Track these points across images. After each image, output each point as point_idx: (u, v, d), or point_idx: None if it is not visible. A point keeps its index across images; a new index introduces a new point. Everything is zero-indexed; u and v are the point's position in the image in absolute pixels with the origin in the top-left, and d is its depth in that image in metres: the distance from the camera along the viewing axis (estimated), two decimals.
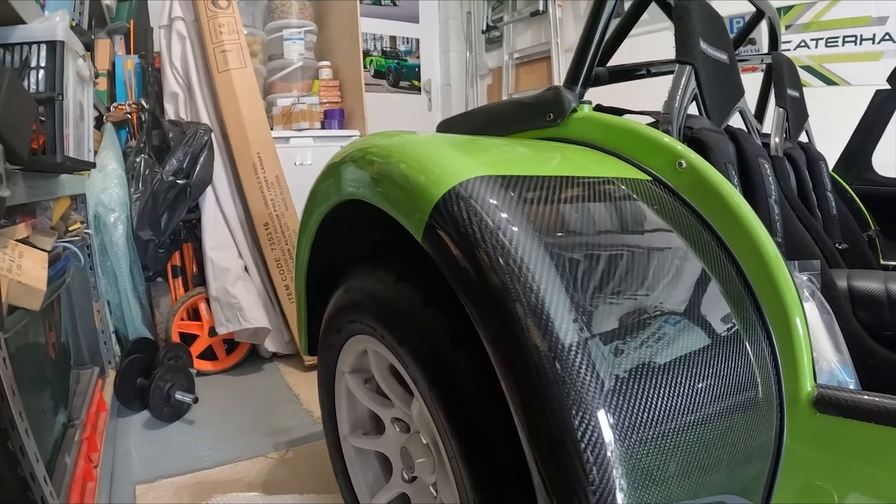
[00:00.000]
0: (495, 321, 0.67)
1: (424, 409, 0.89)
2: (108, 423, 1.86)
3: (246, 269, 2.65)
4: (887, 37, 2.72)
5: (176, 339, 2.53)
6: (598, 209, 0.84)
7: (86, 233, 2.02)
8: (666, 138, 0.96)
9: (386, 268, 0.99)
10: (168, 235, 2.45)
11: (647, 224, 0.86)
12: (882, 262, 1.93)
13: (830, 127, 2.21)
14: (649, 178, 0.94)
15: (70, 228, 1.85)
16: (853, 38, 2.83)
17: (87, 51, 1.61)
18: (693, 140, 1.05)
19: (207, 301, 2.57)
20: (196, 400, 2.13)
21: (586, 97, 1.14)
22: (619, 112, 1.23)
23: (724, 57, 1.32)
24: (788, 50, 3.02)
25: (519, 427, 0.65)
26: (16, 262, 1.20)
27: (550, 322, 0.65)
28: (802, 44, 3.00)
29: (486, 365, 0.71)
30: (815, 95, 2.89)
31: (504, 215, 0.72)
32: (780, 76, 1.71)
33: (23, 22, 1.28)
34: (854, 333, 1.09)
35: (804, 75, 2.95)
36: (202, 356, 2.61)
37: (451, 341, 0.82)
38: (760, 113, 1.85)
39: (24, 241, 1.32)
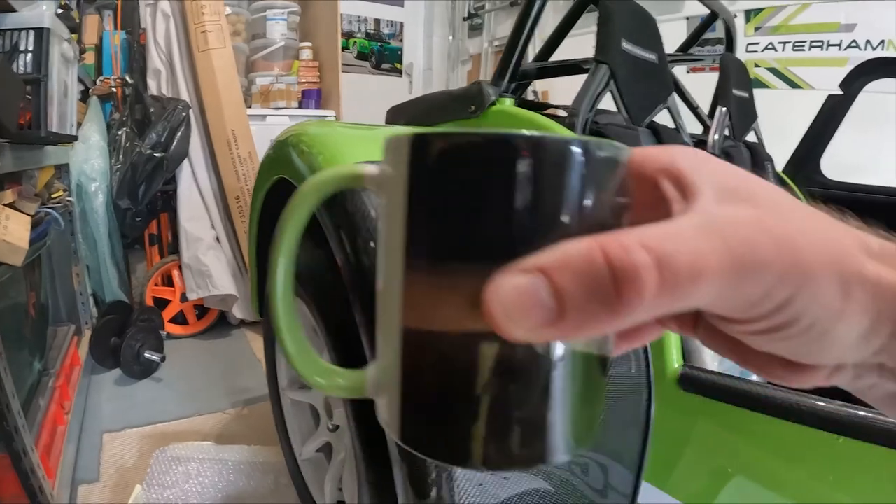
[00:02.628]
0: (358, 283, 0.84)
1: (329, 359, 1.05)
2: (82, 379, 2.03)
3: (217, 239, 2.79)
4: (854, 44, 2.76)
5: (149, 303, 2.68)
6: None
7: (68, 200, 2.16)
8: (563, 131, 1.09)
9: (309, 237, 1.15)
10: (145, 205, 2.59)
11: None
12: None
13: (791, 129, 2.18)
14: None
15: (53, 196, 2.00)
16: (820, 44, 2.87)
17: (73, 33, 1.75)
18: (598, 134, 1.15)
19: (180, 268, 2.72)
20: (163, 359, 2.28)
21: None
22: (543, 106, 1.36)
23: (652, 57, 1.40)
24: (756, 52, 3.06)
25: None
26: (2, 223, 1.36)
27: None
28: (770, 46, 3.03)
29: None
30: (778, 98, 2.90)
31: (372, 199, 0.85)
32: (727, 77, 1.78)
33: (13, 10, 1.43)
34: None
35: (769, 77, 3.03)
36: (174, 321, 2.77)
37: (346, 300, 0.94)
38: (713, 112, 1.85)
39: (11, 206, 1.48)
